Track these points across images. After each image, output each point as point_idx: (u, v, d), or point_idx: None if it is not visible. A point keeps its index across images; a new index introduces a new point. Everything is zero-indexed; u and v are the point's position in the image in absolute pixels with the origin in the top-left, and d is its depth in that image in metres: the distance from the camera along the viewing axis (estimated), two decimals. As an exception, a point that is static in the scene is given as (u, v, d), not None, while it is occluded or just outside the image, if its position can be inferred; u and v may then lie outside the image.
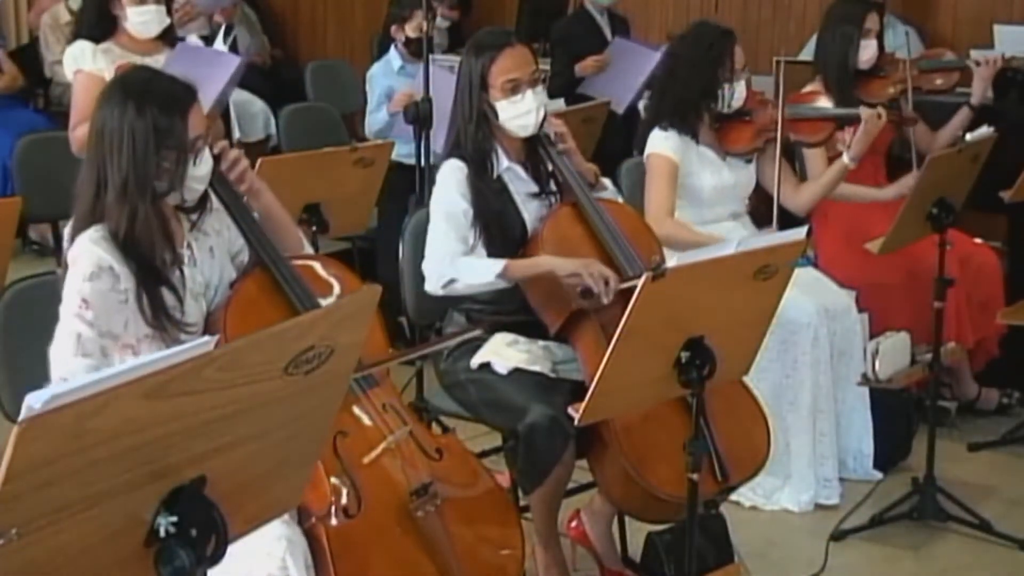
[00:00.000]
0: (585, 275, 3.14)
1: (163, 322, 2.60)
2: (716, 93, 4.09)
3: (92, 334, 2.53)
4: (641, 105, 5.95)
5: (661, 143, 4.09)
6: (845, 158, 4.21)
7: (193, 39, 4.72)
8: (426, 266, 3.33)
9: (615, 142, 5.49)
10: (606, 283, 3.12)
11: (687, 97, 4.10)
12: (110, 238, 2.58)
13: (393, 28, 5.88)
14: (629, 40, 6.22)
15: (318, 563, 2.55)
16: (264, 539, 2.39)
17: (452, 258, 3.28)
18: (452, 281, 3.27)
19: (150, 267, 2.61)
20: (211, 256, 2.78)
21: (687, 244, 3.91)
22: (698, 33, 4.20)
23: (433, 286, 3.31)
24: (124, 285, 2.57)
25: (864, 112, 4.20)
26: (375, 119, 5.72)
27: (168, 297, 2.63)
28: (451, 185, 3.33)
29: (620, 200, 3.59)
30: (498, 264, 3.23)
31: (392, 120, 5.56)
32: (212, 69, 4.03)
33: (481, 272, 3.25)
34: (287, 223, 2.96)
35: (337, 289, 2.88)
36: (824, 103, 4.53)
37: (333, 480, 2.64)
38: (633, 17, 6.81)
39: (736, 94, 4.10)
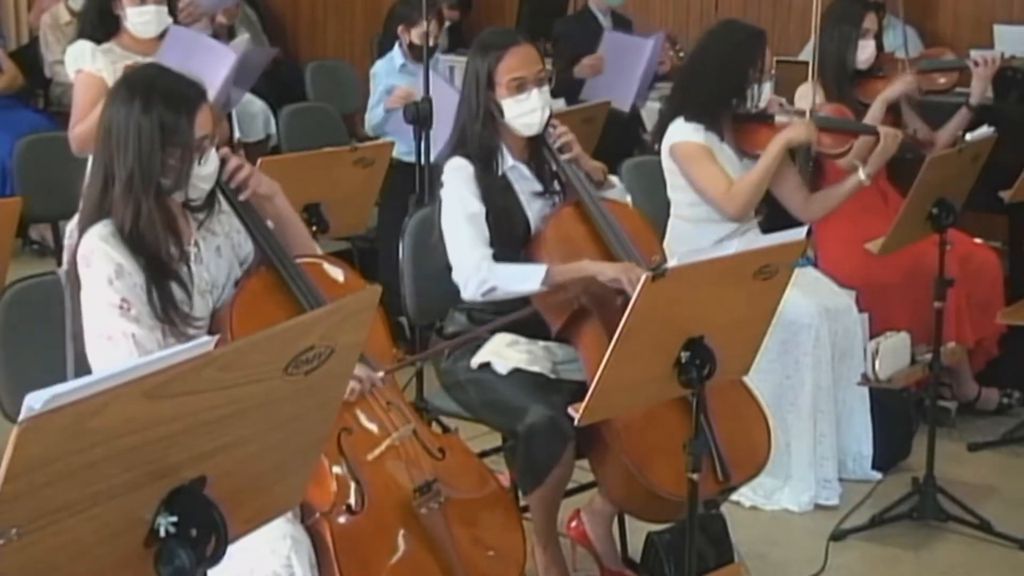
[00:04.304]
0: (624, 281, 3.13)
1: (171, 316, 2.61)
2: (745, 92, 4.05)
3: (144, 331, 2.54)
4: (649, 101, 5.97)
5: (688, 132, 4.03)
6: (861, 174, 4.10)
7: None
8: (460, 275, 3.30)
9: (616, 142, 5.49)
10: None
11: (716, 94, 4.05)
12: (117, 234, 2.60)
13: (400, 27, 5.90)
14: (620, 33, 6.20)
15: (322, 560, 2.55)
16: (268, 537, 2.40)
17: (488, 264, 3.26)
18: (493, 289, 3.25)
19: (158, 262, 2.62)
20: (218, 255, 2.79)
21: (760, 182, 3.97)
22: (730, 30, 4.16)
23: (472, 294, 3.28)
24: (137, 280, 2.59)
25: (883, 130, 4.14)
26: (374, 115, 5.77)
27: (177, 291, 2.64)
28: (462, 185, 3.31)
29: (628, 198, 3.58)
30: (539, 271, 3.21)
31: (388, 116, 5.58)
32: (208, 61, 4.01)
33: (522, 280, 3.22)
34: (300, 229, 2.97)
35: (342, 278, 2.89)
36: (828, 112, 4.46)
37: (337, 476, 2.65)
38: (633, 17, 6.82)
39: (764, 94, 4.08)
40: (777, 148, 3.97)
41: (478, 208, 3.30)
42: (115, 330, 2.55)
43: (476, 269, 3.26)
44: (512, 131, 3.37)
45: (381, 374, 2.77)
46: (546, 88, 3.36)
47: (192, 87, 2.66)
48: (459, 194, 3.32)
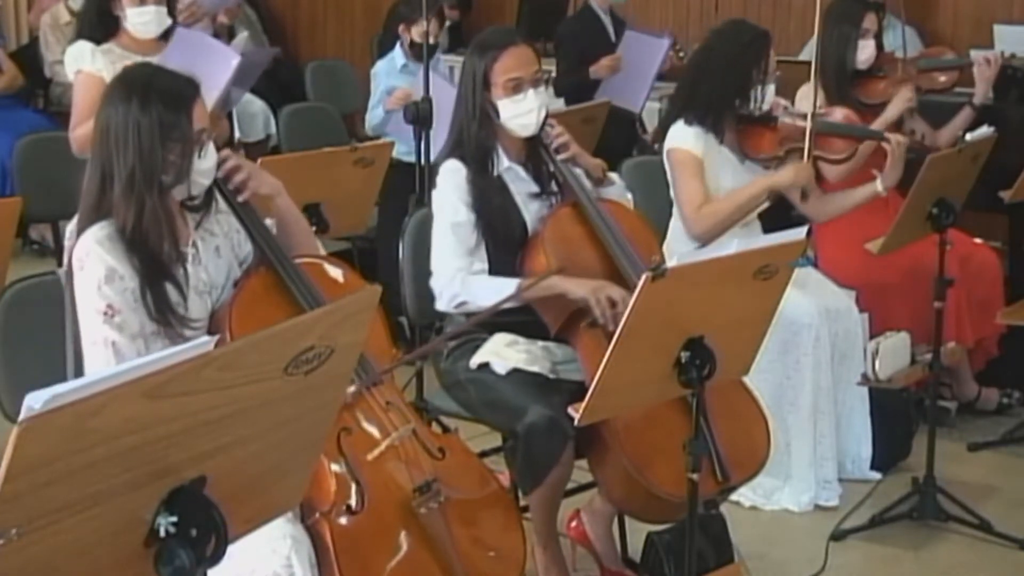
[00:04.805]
0: (592, 301, 3.14)
1: (167, 317, 2.61)
2: (749, 93, 4.03)
3: (126, 340, 2.54)
4: (648, 101, 5.96)
5: (685, 137, 4.01)
6: (879, 186, 4.11)
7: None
8: (436, 284, 3.33)
9: (616, 142, 5.49)
10: (613, 305, 3.12)
11: (720, 94, 4.02)
12: (115, 236, 2.60)
13: (400, 27, 5.90)
14: (637, 31, 6.20)
15: (322, 560, 2.55)
16: (269, 537, 2.40)
17: (462, 276, 3.28)
18: (464, 303, 3.28)
19: (155, 262, 2.62)
20: (217, 256, 2.79)
21: (731, 213, 3.91)
22: (736, 30, 4.14)
23: (444, 305, 3.32)
24: (129, 284, 2.58)
25: (893, 138, 4.11)
26: (374, 115, 5.78)
27: (172, 293, 2.64)
28: (452, 191, 3.31)
29: (628, 196, 3.58)
30: (508, 286, 3.22)
31: (387, 117, 5.58)
32: (211, 63, 4.01)
33: (492, 294, 3.22)
34: (303, 228, 2.97)
35: (342, 278, 2.89)
36: (839, 117, 4.44)
37: (337, 476, 2.65)
38: (633, 17, 6.82)
39: (768, 96, 4.06)
40: (758, 189, 3.94)
41: (465, 217, 3.30)
42: (97, 336, 2.55)
43: (450, 281, 3.29)
44: (508, 132, 3.37)
45: (352, 389, 2.74)
46: (542, 89, 3.36)
47: (187, 82, 2.66)
48: (449, 200, 3.32)
